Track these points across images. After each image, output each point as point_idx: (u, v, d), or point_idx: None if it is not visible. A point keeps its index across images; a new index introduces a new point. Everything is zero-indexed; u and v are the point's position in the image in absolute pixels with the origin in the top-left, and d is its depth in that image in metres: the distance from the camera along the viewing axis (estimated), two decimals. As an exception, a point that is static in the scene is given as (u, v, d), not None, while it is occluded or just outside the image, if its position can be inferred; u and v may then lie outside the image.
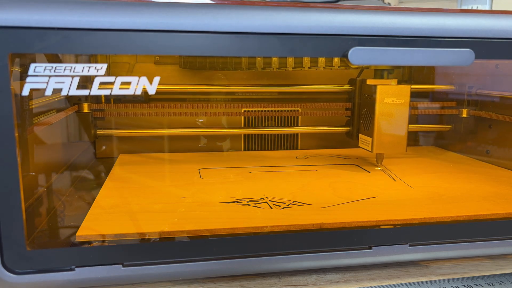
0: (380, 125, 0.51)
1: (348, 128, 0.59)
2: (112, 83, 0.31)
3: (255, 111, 0.63)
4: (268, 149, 0.67)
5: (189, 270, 0.34)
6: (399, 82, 0.69)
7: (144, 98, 0.59)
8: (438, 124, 0.67)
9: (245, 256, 0.35)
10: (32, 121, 0.40)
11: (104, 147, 0.63)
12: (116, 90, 0.31)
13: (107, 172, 0.51)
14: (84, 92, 0.31)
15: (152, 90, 0.32)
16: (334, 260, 0.37)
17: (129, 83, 0.31)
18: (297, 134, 0.67)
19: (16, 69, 0.30)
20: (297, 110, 0.65)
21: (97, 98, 0.58)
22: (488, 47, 0.35)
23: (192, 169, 0.53)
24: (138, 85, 0.31)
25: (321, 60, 0.54)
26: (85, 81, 0.32)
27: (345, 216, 0.39)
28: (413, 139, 0.72)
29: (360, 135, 0.55)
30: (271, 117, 0.64)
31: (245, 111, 0.65)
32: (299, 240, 0.36)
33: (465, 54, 0.35)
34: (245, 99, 0.63)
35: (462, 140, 0.65)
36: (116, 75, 0.31)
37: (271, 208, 0.41)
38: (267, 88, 0.62)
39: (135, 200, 0.42)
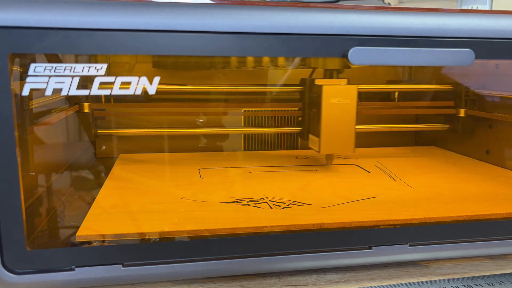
0: (327, 126, 0.51)
1: (300, 128, 0.59)
2: (112, 83, 0.31)
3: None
4: (268, 149, 0.67)
5: (189, 270, 0.34)
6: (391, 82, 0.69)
7: (144, 98, 0.59)
8: (438, 124, 0.67)
9: (245, 256, 0.35)
10: (33, 121, 0.40)
11: (104, 147, 0.63)
12: (116, 90, 0.31)
13: (107, 172, 0.51)
14: (84, 92, 0.31)
15: (152, 90, 0.32)
16: (334, 260, 0.37)
17: (129, 83, 0.31)
18: (297, 133, 0.67)
19: (16, 68, 0.30)
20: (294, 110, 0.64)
21: (97, 98, 0.58)
22: (488, 47, 0.35)
23: (192, 169, 0.53)
24: (138, 85, 0.31)
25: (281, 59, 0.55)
26: (85, 81, 0.32)
27: (345, 216, 0.39)
28: (413, 139, 0.72)
29: (310, 136, 0.55)
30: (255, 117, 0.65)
31: (245, 111, 0.65)
32: (299, 240, 0.36)
33: (465, 54, 0.35)
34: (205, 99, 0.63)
35: (462, 140, 0.65)
36: (116, 75, 0.31)
37: (271, 208, 0.41)
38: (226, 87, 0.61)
39: (135, 200, 0.42)
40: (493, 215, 0.40)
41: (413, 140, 0.72)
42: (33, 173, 0.40)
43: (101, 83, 0.31)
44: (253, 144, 0.66)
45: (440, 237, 0.38)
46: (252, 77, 0.64)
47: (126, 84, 0.31)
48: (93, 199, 0.41)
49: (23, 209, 0.31)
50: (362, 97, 0.64)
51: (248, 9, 0.32)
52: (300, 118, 0.59)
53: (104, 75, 0.31)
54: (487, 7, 1.15)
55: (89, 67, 0.30)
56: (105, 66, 0.30)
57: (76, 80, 0.30)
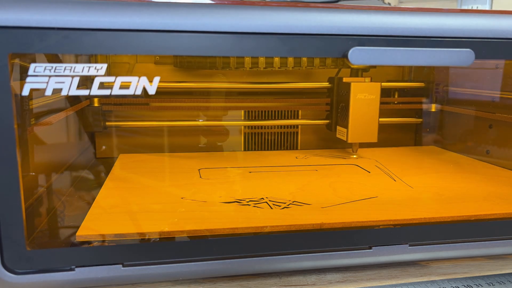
0: (354, 117, 0.58)
1: (328, 121, 0.65)
2: (112, 83, 0.31)
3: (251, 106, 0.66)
4: (268, 149, 0.67)
5: (189, 270, 0.34)
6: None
7: (145, 97, 0.60)
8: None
9: (245, 256, 0.35)
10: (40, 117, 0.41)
11: (104, 147, 0.63)
12: (116, 90, 0.31)
13: (107, 172, 0.51)
14: (84, 92, 0.31)
15: (152, 90, 0.32)
16: (334, 260, 0.37)
17: (129, 83, 0.31)
18: (297, 133, 0.67)
19: (20, 62, 0.30)
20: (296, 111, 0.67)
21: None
22: (488, 47, 0.35)
23: (192, 169, 0.53)
24: (138, 85, 0.31)
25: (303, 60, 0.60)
26: (87, 80, 0.32)
27: (345, 216, 0.39)
28: (413, 139, 0.72)
29: (338, 127, 0.62)
30: (267, 112, 0.67)
31: (245, 109, 0.65)
32: (299, 240, 0.36)
33: (465, 54, 0.35)
34: (234, 94, 0.65)
35: (462, 140, 0.65)
36: (116, 75, 0.31)
37: (271, 208, 0.41)
38: (255, 85, 0.64)
39: (135, 200, 0.42)
40: (493, 215, 0.40)
41: (413, 140, 0.72)
42: (33, 173, 0.40)
43: (101, 83, 0.31)
44: (253, 144, 0.67)
45: (440, 237, 0.38)
46: (250, 76, 0.65)
47: (126, 84, 0.31)
48: (93, 199, 0.41)
49: (23, 209, 0.31)
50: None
51: (248, 9, 0.32)
52: (328, 112, 0.66)
53: (104, 75, 0.31)
54: (487, 7, 1.15)
55: (89, 67, 0.30)
56: (105, 66, 0.30)
57: (76, 80, 0.30)
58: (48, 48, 0.29)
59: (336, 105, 0.63)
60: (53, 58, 0.31)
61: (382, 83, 0.59)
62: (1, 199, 0.30)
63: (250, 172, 0.53)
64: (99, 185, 0.46)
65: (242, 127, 0.66)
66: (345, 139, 0.59)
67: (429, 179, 0.51)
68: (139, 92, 0.31)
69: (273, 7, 0.33)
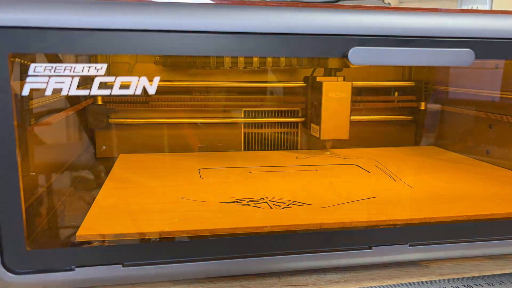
0: (326, 115, 0.60)
1: (303, 118, 0.67)
2: (112, 83, 0.31)
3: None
4: (268, 149, 0.67)
5: (189, 270, 0.34)
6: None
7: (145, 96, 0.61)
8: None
9: (245, 256, 0.35)
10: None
11: (104, 147, 0.63)
12: (116, 90, 0.31)
13: (107, 172, 0.51)
14: (84, 92, 0.31)
15: (152, 90, 0.32)
16: (334, 260, 0.37)
17: (129, 83, 0.31)
18: (297, 133, 0.67)
19: (20, 60, 0.30)
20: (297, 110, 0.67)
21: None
22: (488, 47, 0.35)
23: (192, 169, 0.53)
24: (138, 85, 0.31)
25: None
26: (87, 79, 0.32)
27: (345, 216, 0.39)
28: (413, 138, 0.72)
29: (312, 125, 0.64)
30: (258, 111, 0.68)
31: (245, 111, 0.65)
32: (299, 240, 0.36)
33: (465, 54, 0.35)
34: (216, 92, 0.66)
35: (462, 140, 0.65)
36: (116, 75, 0.31)
37: (271, 208, 0.41)
38: (234, 83, 0.65)
39: (135, 200, 0.42)
40: (493, 215, 0.40)
41: (413, 140, 0.72)
42: (33, 173, 0.40)
43: (101, 83, 0.31)
44: (253, 144, 0.67)
45: (440, 237, 0.38)
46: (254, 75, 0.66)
47: (126, 84, 0.31)
48: (93, 199, 0.41)
49: (23, 209, 0.31)
50: (362, 93, 0.70)
51: (248, 9, 0.32)
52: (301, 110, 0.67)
53: (104, 75, 0.31)
54: (487, 7, 1.15)
55: (89, 67, 0.30)
56: (105, 66, 0.30)
57: (76, 80, 0.30)
58: (48, 48, 0.29)
59: (310, 103, 0.64)
60: (53, 58, 0.31)
61: (353, 82, 0.61)
62: (1, 199, 0.30)
63: (250, 172, 0.53)
64: (99, 185, 0.46)
65: (242, 127, 0.66)
66: (318, 136, 0.61)
67: (429, 179, 0.51)
68: (139, 92, 0.31)
69: (273, 7, 0.33)
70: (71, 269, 0.32)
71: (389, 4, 0.59)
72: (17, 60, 0.30)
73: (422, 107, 0.70)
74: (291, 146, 0.68)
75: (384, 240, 0.37)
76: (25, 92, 0.30)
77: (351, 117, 0.68)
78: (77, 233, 0.34)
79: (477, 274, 0.38)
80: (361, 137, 0.70)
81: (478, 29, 0.35)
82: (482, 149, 0.61)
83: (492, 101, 0.59)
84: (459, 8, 1.16)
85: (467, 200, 0.44)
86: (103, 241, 0.34)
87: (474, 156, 0.61)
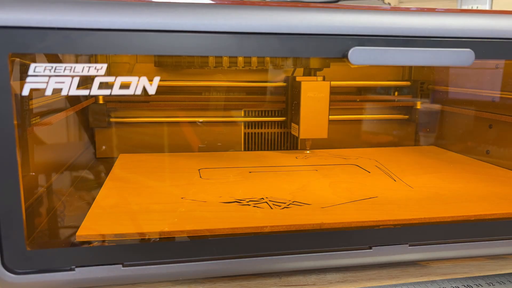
0: (305, 114, 0.61)
1: (284, 118, 0.68)
2: (112, 83, 0.31)
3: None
4: (268, 149, 0.67)
5: (189, 270, 0.34)
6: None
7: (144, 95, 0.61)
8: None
9: (245, 256, 0.35)
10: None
11: (104, 147, 0.63)
12: (116, 90, 0.31)
13: (107, 172, 0.51)
14: (84, 92, 0.31)
15: (152, 90, 0.32)
16: (334, 260, 0.37)
17: (129, 83, 0.31)
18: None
19: (20, 60, 0.30)
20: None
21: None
22: (488, 47, 0.35)
23: (192, 169, 0.53)
24: (138, 85, 0.31)
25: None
26: (87, 79, 0.32)
27: (345, 216, 0.39)
28: (413, 138, 0.72)
29: (292, 124, 0.65)
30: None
31: (245, 111, 0.65)
32: (299, 240, 0.36)
33: (465, 54, 0.35)
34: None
35: (462, 140, 0.65)
36: (116, 75, 0.31)
37: (271, 208, 0.41)
38: (214, 82, 0.65)
39: (135, 200, 0.42)
40: (493, 215, 0.40)
41: (413, 140, 0.72)
42: (33, 173, 0.40)
43: (101, 83, 0.31)
44: (253, 144, 0.67)
45: (440, 237, 0.38)
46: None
47: (126, 84, 0.31)
48: (93, 199, 0.41)
49: (23, 209, 0.31)
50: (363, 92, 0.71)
51: (248, 9, 0.32)
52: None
53: (104, 75, 0.31)
54: (487, 7, 1.15)
55: (89, 67, 0.30)
56: (105, 66, 0.30)
57: (76, 80, 0.30)
58: (48, 48, 0.29)
59: (290, 103, 0.65)
60: (53, 58, 0.31)
61: (332, 82, 0.61)
62: (1, 199, 0.30)
63: (250, 172, 0.53)
64: (99, 185, 0.46)
65: (242, 127, 0.66)
66: (297, 135, 0.62)
67: (429, 179, 0.51)
68: (139, 91, 0.31)
69: (273, 7, 0.33)
70: (71, 269, 0.32)
71: (389, 4, 0.59)
72: (17, 60, 0.30)
73: (418, 106, 0.70)
74: (291, 146, 0.68)
75: (384, 240, 0.37)
76: (25, 92, 0.30)
77: (351, 116, 0.70)
78: (77, 233, 0.34)
79: (477, 274, 0.38)
80: (360, 136, 0.70)
81: (478, 29, 0.35)
82: (482, 149, 0.61)
83: (492, 101, 0.59)
84: (459, 8, 1.16)
85: (467, 200, 0.44)
86: (103, 241, 0.34)
87: (474, 156, 0.61)
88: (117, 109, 0.63)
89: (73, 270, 0.32)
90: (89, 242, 0.34)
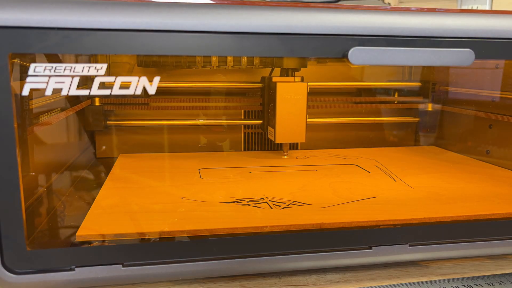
0: (281, 118, 0.57)
1: (261, 121, 0.65)
2: (112, 83, 0.31)
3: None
4: (268, 149, 0.67)
5: (189, 270, 0.34)
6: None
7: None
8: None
9: (245, 256, 0.35)
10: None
11: (104, 147, 0.63)
12: (116, 90, 0.31)
13: (107, 172, 0.51)
14: (84, 92, 0.31)
15: (152, 90, 0.32)
16: (334, 260, 0.37)
17: (129, 83, 0.31)
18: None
19: (20, 62, 0.30)
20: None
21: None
22: (488, 47, 0.35)
23: (192, 169, 0.53)
24: (138, 85, 0.31)
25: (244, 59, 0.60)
26: (86, 79, 0.32)
27: (345, 216, 0.39)
28: (413, 139, 0.72)
29: (269, 127, 0.62)
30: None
31: (245, 111, 0.65)
32: (299, 240, 0.36)
33: (465, 54, 0.35)
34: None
35: (462, 140, 0.65)
36: (116, 75, 0.31)
37: (271, 208, 0.41)
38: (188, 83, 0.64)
39: (135, 200, 0.42)
40: (493, 215, 0.40)
41: (413, 140, 0.72)
42: (33, 173, 0.40)
43: (101, 83, 0.31)
44: (253, 144, 0.67)
45: (440, 237, 0.38)
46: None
47: (126, 84, 0.31)
48: (93, 199, 0.41)
49: (23, 209, 0.31)
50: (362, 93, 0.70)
51: (248, 9, 0.32)
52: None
53: (104, 75, 0.31)
54: (487, 7, 1.15)
55: (89, 67, 0.30)
56: (105, 66, 0.30)
57: (76, 80, 0.30)
58: (48, 48, 0.29)
59: (267, 105, 0.62)
60: (53, 58, 0.31)
61: (310, 83, 0.58)
62: (1, 199, 0.30)
63: (250, 172, 0.53)
64: (99, 185, 0.46)
65: (242, 127, 0.66)
66: (273, 140, 0.59)
67: (429, 179, 0.51)
68: (139, 92, 0.31)
69: (273, 7, 0.33)
70: (71, 269, 0.32)
71: (389, 4, 0.59)
72: (17, 60, 0.30)
73: (429, 108, 0.70)
74: (291, 146, 0.68)
75: (384, 240, 0.37)
76: (25, 92, 0.30)
77: (356, 118, 0.69)
78: (77, 233, 0.34)
79: (477, 274, 0.38)
80: (361, 137, 0.70)
81: (478, 29, 0.35)
82: (482, 149, 0.61)
83: (492, 101, 0.59)
84: (459, 8, 1.16)
85: (467, 200, 0.44)
86: (103, 241, 0.34)
87: (474, 156, 0.61)
88: (116, 111, 0.62)
89: (73, 270, 0.32)
90: (89, 242, 0.34)
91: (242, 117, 0.66)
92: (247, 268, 0.35)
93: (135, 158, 0.59)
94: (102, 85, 0.31)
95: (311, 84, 0.62)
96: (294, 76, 0.60)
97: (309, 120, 0.59)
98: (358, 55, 0.33)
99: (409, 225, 0.38)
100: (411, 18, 0.34)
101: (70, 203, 0.44)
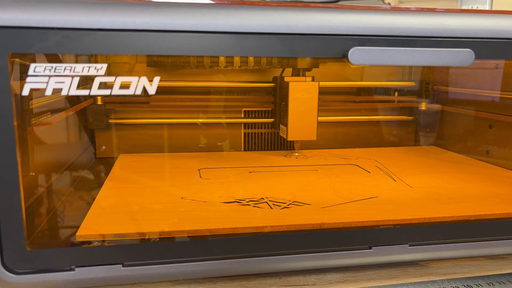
0: (293, 116, 0.59)
1: (273, 119, 0.66)
2: (112, 83, 0.31)
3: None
4: (268, 149, 0.67)
5: (189, 270, 0.34)
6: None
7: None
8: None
9: (245, 256, 0.35)
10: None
11: (104, 147, 0.63)
12: (116, 90, 0.31)
13: (107, 172, 0.51)
14: (84, 92, 0.31)
15: (152, 90, 0.32)
16: (334, 260, 0.37)
17: (129, 83, 0.31)
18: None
19: (20, 61, 0.30)
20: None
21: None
22: (488, 47, 0.35)
23: (192, 169, 0.53)
24: (138, 85, 0.31)
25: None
26: (87, 79, 0.32)
27: (345, 216, 0.39)
28: (413, 139, 0.72)
29: (280, 125, 0.63)
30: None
31: (245, 111, 0.65)
32: (299, 240, 0.36)
33: (465, 54, 0.35)
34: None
35: (462, 140, 0.65)
36: (116, 75, 0.31)
37: (271, 208, 0.41)
38: (203, 83, 0.64)
39: (135, 200, 0.42)
40: (493, 215, 0.40)
41: (413, 140, 0.72)
42: (33, 173, 0.40)
43: (101, 83, 0.31)
44: (253, 144, 0.67)
45: (440, 237, 0.38)
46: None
47: (126, 84, 0.31)
48: (93, 199, 0.41)
49: (23, 209, 0.31)
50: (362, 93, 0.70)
51: (248, 9, 0.32)
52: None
53: (104, 75, 0.31)
54: (487, 7, 1.15)
55: (89, 67, 0.30)
56: (105, 66, 0.30)
57: (76, 80, 0.30)
58: (48, 48, 0.29)
59: (279, 104, 0.64)
60: (53, 58, 0.31)
61: (321, 82, 0.59)
62: (1, 199, 0.30)
63: (250, 172, 0.53)
64: (99, 185, 0.46)
65: (242, 127, 0.66)
66: (286, 137, 0.60)
67: (429, 179, 0.51)
68: (139, 92, 0.31)
69: (273, 7, 0.33)
70: (71, 269, 0.32)
71: (389, 4, 0.59)
72: (17, 60, 0.30)
73: (423, 107, 0.70)
74: (291, 146, 0.68)
75: (384, 240, 0.37)
76: (25, 92, 0.30)
77: (354, 117, 0.69)
78: (77, 233, 0.34)
79: (477, 274, 0.38)
80: (361, 137, 0.70)
81: (478, 29, 0.35)
82: (482, 149, 0.61)
83: (492, 101, 0.59)
84: (459, 8, 1.16)
85: (467, 200, 0.44)
86: (103, 241, 0.34)
87: (474, 156, 0.61)
88: (117, 110, 0.63)
89: (73, 270, 0.32)
90: (89, 242, 0.34)
91: (242, 116, 0.66)
92: (247, 268, 0.35)
93: (135, 158, 0.59)
94: (102, 85, 0.31)
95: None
96: (305, 76, 0.61)
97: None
98: (358, 55, 0.33)
99: (409, 225, 0.38)
100: (411, 18, 0.34)
101: (70, 203, 0.44)
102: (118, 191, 0.45)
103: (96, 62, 0.36)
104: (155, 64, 0.59)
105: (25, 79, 0.29)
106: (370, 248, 0.37)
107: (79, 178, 0.53)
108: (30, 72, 0.29)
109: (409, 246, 0.37)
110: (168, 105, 0.63)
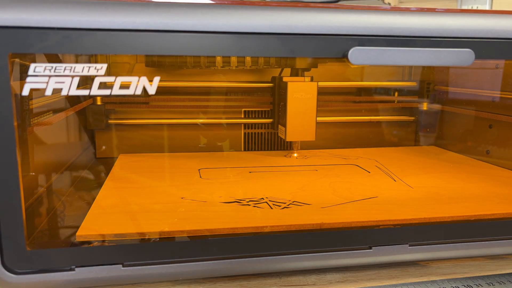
0: (291, 116, 0.59)
1: (272, 120, 0.66)
2: (112, 83, 0.31)
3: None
4: (268, 149, 0.67)
5: (189, 270, 0.34)
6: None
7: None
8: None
9: (245, 256, 0.35)
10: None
11: (104, 147, 0.63)
12: (116, 90, 0.31)
13: (107, 172, 0.51)
14: (84, 92, 0.31)
15: (152, 90, 0.32)
16: (334, 260, 0.37)
17: (129, 83, 0.31)
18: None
19: (20, 61, 0.30)
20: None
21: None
22: (488, 47, 0.35)
23: (192, 169, 0.53)
24: (138, 85, 0.31)
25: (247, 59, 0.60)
26: (86, 79, 0.32)
27: (345, 216, 0.39)
28: (413, 139, 0.72)
29: (279, 126, 0.63)
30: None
31: (245, 111, 0.65)
32: (299, 240, 0.36)
33: (465, 54, 0.35)
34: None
35: (462, 140, 0.65)
36: (116, 75, 0.31)
37: (271, 208, 0.41)
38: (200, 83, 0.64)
39: (135, 200, 0.42)
40: (493, 215, 0.40)
41: (413, 140, 0.72)
42: (33, 173, 0.40)
43: (101, 83, 0.31)
44: (253, 144, 0.67)
45: (440, 237, 0.38)
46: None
47: (126, 84, 0.31)
48: (93, 199, 0.41)
49: (23, 209, 0.31)
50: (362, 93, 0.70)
51: (248, 9, 0.32)
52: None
53: (104, 75, 0.31)
54: (487, 7, 1.15)
55: (89, 67, 0.30)
56: (105, 66, 0.30)
57: (76, 80, 0.30)
58: (48, 48, 0.29)
59: (277, 104, 0.63)
60: (53, 58, 0.31)
61: (321, 82, 0.59)
62: (1, 199, 0.30)
63: (250, 172, 0.53)
64: (99, 185, 0.46)
65: (242, 127, 0.66)
66: (284, 138, 0.60)
67: (429, 179, 0.51)
68: (139, 92, 0.31)
69: (273, 7, 0.33)
70: (71, 269, 0.32)
71: (389, 4, 0.59)
72: (17, 60, 0.30)
73: (425, 107, 0.70)
74: (289, 147, 0.68)
75: (384, 240, 0.37)
76: (25, 92, 0.30)
77: (354, 117, 0.69)
78: (77, 233, 0.34)
79: (477, 274, 0.38)
80: (361, 137, 0.70)
81: (478, 29, 0.35)
82: (482, 149, 0.61)
83: (492, 101, 0.59)
84: (459, 8, 1.16)
85: (467, 200, 0.44)
86: (103, 241, 0.34)
87: (474, 156, 0.61)
88: (117, 110, 0.63)
89: (73, 270, 0.32)
90: (89, 242, 0.34)
91: (242, 116, 0.66)
92: (247, 268, 0.35)
93: (135, 158, 0.59)
94: (102, 85, 0.31)
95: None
96: (304, 76, 0.61)
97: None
98: (358, 55, 0.33)
99: (409, 225, 0.38)
100: (411, 18, 0.34)
101: (70, 203, 0.44)
102: (118, 191, 0.45)
103: (96, 62, 0.36)
104: (154, 64, 0.59)
105: (25, 79, 0.29)
106: (370, 248, 0.37)
107: (79, 178, 0.53)
108: (30, 72, 0.29)
109: (409, 246, 0.37)
110: (168, 105, 0.63)
